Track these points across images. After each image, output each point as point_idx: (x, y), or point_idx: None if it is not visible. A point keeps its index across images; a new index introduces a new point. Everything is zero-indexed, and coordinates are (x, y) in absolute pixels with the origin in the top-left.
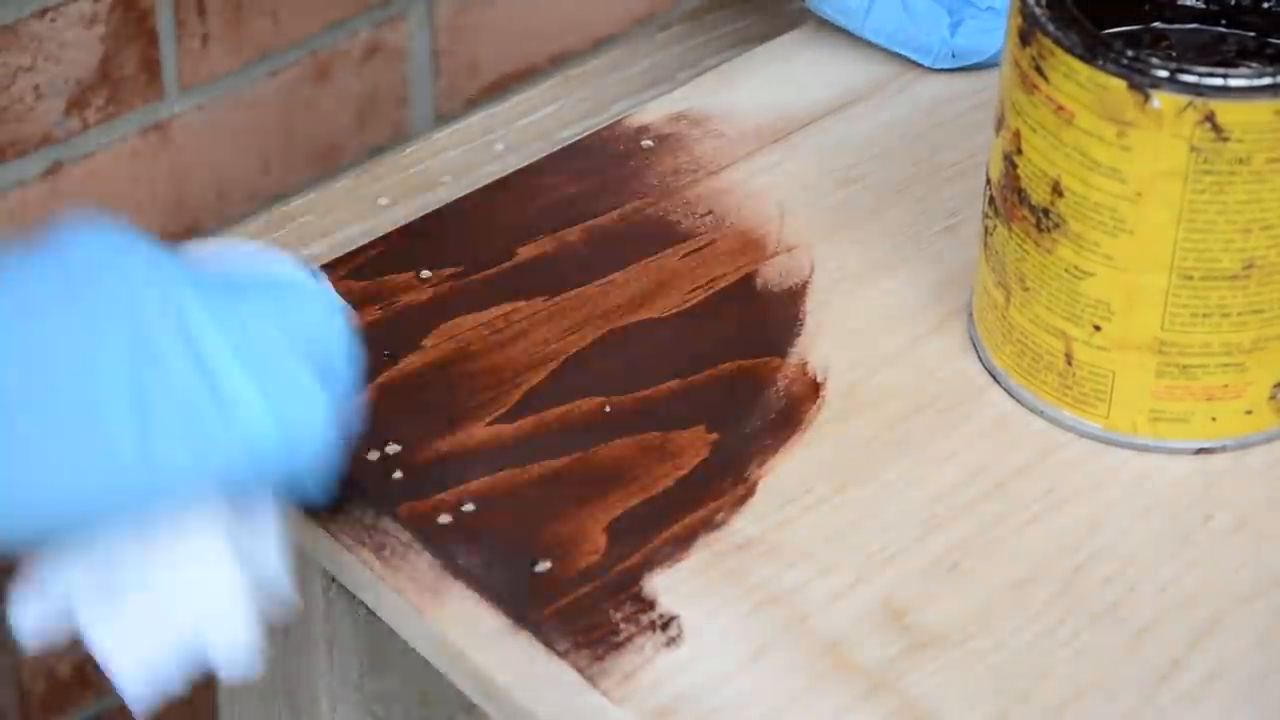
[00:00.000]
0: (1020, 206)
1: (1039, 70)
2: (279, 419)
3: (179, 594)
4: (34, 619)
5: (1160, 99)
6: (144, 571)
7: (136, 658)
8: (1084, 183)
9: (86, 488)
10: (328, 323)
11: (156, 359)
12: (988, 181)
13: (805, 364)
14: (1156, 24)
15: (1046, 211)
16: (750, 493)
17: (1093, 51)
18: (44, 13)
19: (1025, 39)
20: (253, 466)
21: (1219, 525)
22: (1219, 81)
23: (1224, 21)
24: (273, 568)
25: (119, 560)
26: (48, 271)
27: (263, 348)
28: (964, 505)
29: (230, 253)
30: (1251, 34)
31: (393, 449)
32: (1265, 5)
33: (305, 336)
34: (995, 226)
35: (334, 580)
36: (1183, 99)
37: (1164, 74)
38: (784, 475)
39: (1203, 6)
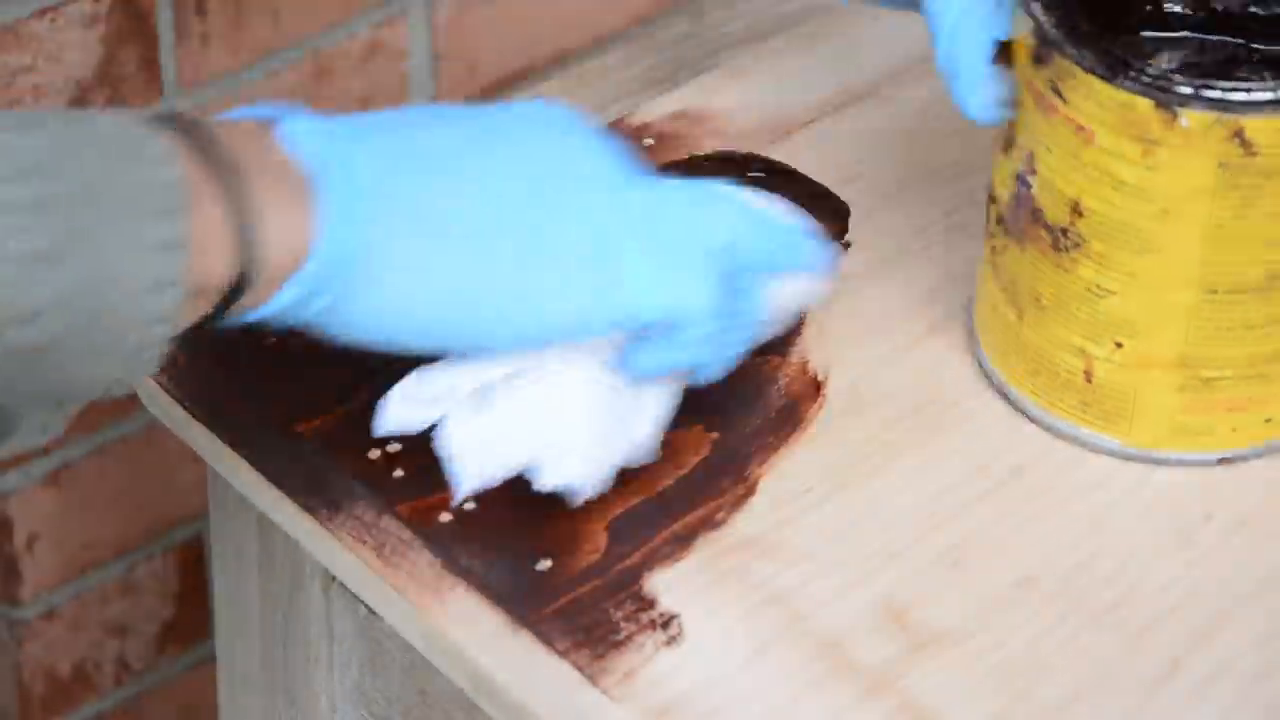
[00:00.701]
0: (1035, 226)
1: (1056, 91)
2: (653, 284)
3: (536, 420)
4: (397, 410)
5: (1188, 116)
6: (511, 392)
7: (476, 461)
8: (1106, 202)
9: (460, 308)
10: (756, 243)
11: (550, 205)
12: (992, 199)
13: (806, 363)
14: (1145, 33)
15: (1065, 231)
16: (750, 492)
17: (1113, 70)
18: (44, 13)
19: (1041, 60)
20: (629, 325)
21: (1219, 525)
22: (1245, 95)
23: (1214, 29)
24: (640, 433)
25: (495, 378)
26: (487, 118)
27: (658, 223)
28: (964, 505)
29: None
30: (1240, 41)
31: (393, 447)
32: (1253, 11)
33: (719, 241)
34: (1005, 246)
35: (334, 580)
36: (1210, 115)
37: (1189, 90)
38: (784, 475)
39: (1189, 13)
